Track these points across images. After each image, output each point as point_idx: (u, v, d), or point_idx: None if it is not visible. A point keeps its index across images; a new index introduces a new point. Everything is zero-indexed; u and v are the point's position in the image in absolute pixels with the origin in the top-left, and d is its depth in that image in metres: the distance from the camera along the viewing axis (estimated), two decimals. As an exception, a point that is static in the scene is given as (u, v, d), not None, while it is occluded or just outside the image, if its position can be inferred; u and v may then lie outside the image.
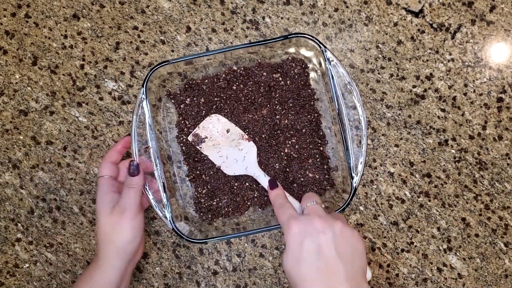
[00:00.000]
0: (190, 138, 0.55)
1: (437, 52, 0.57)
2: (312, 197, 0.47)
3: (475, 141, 0.57)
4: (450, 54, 0.57)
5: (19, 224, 0.59)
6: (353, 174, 0.49)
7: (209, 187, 0.56)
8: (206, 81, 0.55)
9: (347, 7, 0.57)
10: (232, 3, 0.57)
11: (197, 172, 0.56)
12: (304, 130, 0.55)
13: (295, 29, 0.57)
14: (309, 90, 0.55)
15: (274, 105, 0.55)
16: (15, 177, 0.59)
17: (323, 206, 0.46)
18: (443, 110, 0.57)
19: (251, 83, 0.55)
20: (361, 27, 0.57)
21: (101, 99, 0.58)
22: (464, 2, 0.56)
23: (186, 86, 0.55)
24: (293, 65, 0.55)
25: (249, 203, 0.56)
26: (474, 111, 0.57)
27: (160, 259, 0.58)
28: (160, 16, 0.58)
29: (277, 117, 0.55)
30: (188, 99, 0.55)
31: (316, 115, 0.56)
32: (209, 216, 0.56)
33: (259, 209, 0.56)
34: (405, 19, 0.57)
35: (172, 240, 0.58)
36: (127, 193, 0.48)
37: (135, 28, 0.58)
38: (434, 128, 0.57)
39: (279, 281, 0.58)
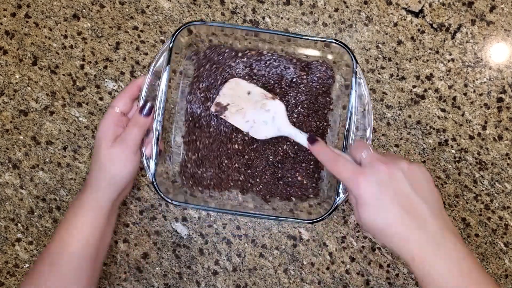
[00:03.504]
0: (212, 108, 0.53)
1: (437, 52, 0.57)
2: (363, 146, 0.45)
3: (475, 141, 0.57)
4: (450, 54, 0.57)
5: (19, 224, 0.59)
6: (340, 191, 0.48)
7: (199, 155, 0.55)
8: (233, 53, 0.54)
9: (347, 7, 0.57)
10: (232, 3, 0.57)
11: (194, 137, 0.55)
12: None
13: (295, 29, 0.57)
14: (327, 98, 0.55)
15: (288, 101, 0.55)
16: (15, 177, 0.59)
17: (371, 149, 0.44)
18: (443, 110, 0.57)
19: (275, 71, 0.55)
20: (361, 27, 0.57)
21: (101, 99, 0.58)
22: (464, 2, 0.56)
23: (209, 49, 0.54)
24: (321, 69, 0.54)
25: (232, 184, 0.55)
26: (474, 111, 0.57)
27: (160, 259, 0.58)
28: (160, 16, 0.58)
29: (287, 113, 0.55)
30: (208, 65, 0.54)
31: (325, 124, 0.55)
32: (190, 183, 0.55)
33: (240, 193, 0.56)
34: (405, 19, 0.57)
35: (172, 240, 0.58)
36: (132, 130, 0.48)
37: (135, 28, 0.58)
38: (434, 128, 0.57)
39: (279, 281, 0.58)
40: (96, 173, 0.48)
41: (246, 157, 0.55)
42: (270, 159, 0.55)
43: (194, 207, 0.50)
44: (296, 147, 0.55)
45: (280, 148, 0.55)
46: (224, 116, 0.53)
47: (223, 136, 0.55)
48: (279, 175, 0.55)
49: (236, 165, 0.55)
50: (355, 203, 0.43)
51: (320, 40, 0.49)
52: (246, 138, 0.55)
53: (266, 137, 0.52)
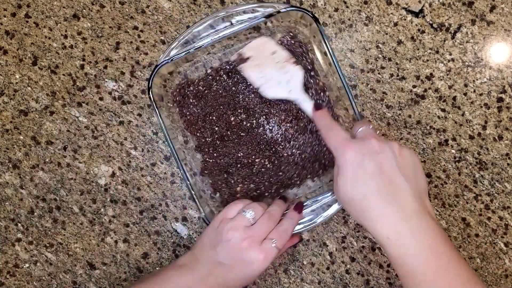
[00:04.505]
0: (232, 57, 0.53)
1: (437, 52, 0.57)
2: (365, 123, 0.45)
3: (475, 141, 0.57)
4: (450, 54, 0.57)
5: (19, 224, 0.59)
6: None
7: (205, 91, 0.55)
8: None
9: (347, 7, 0.57)
10: (232, 3, 0.57)
11: (216, 77, 0.55)
12: None
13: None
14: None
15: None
16: (15, 177, 0.59)
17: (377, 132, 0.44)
18: (443, 110, 0.57)
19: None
20: (361, 27, 0.57)
21: (101, 99, 0.58)
22: (464, 2, 0.56)
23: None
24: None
25: (198, 135, 0.55)
26: (474, 111, 0.57)
27: (160, 259, 0.58)
28: (160, 16, 0.58)
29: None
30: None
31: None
32: (177, 99, 0.55)
33: (195, 151, 0.56)
34: (405, 19, 0.57)
35: (172, 240, 0.58)
36: (287, 231, 0.47)
37: (135, 28, 0.58)
38: (434, 128, 0.57)
39: (279, 281, 0.58)
40: (229, 274, 0.45)
41: (228, 132, 0.55)
42: (239, 155, 0.55)
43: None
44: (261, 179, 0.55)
45: (257, 160, 0.55)
46: (241, 67, 0.53)
47: (233, 101, 0.55)
48: (229, 170, 0.55)
49: (216, 129, 0.55)
50: (337, 173, 0.42)
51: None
52: (244, 123, 0.55)
53: (274, 96, 0.52)
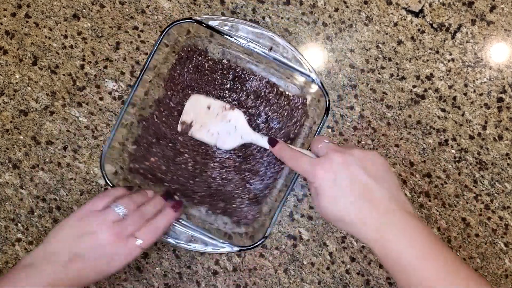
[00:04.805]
0: (179, 128, 0.54)
1: (437, 52, 0.57)
2: (321, 139, 0.46)
3: (475, 141, 0.57)
4: (450, 54, 0.57)
5: (19, 224, 0.59)
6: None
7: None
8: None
9: (347, 7, 0.57)
10: (232, 3, 0.57)
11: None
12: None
13: (295, 29, 0.57)
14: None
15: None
16: (15, 177, 0.59)
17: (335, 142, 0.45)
18: (443, 110, 0.57)
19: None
20: (361, 27, 0.57)
21: (101, 99, 0.58)
22: (464, 2, 0.56)
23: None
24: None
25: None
26: (474, 111, 0.57)
27: (160, 259, 0.58)
28: (160, 16, 0.58)
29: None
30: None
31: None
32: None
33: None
34: (405, 19, 0.57)
35: (172, 240, 0.58)
36: (157, 229, 0.47)
37: (135, 28, 0.58)
38: (434, 128, 0.57)
39: (279, 281, 0.58)
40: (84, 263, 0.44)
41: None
42: (179, 139, 0.55)
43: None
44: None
45: (185, 155, 0.55)
46: (191, 133, 0.54)
47: (218, 99, 0.56)
48: (161, 141, 0.55)
49: (184, 103, 0.55)
50: (315, 194, 0.43)
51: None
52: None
53: (232, 146, 0.54)
